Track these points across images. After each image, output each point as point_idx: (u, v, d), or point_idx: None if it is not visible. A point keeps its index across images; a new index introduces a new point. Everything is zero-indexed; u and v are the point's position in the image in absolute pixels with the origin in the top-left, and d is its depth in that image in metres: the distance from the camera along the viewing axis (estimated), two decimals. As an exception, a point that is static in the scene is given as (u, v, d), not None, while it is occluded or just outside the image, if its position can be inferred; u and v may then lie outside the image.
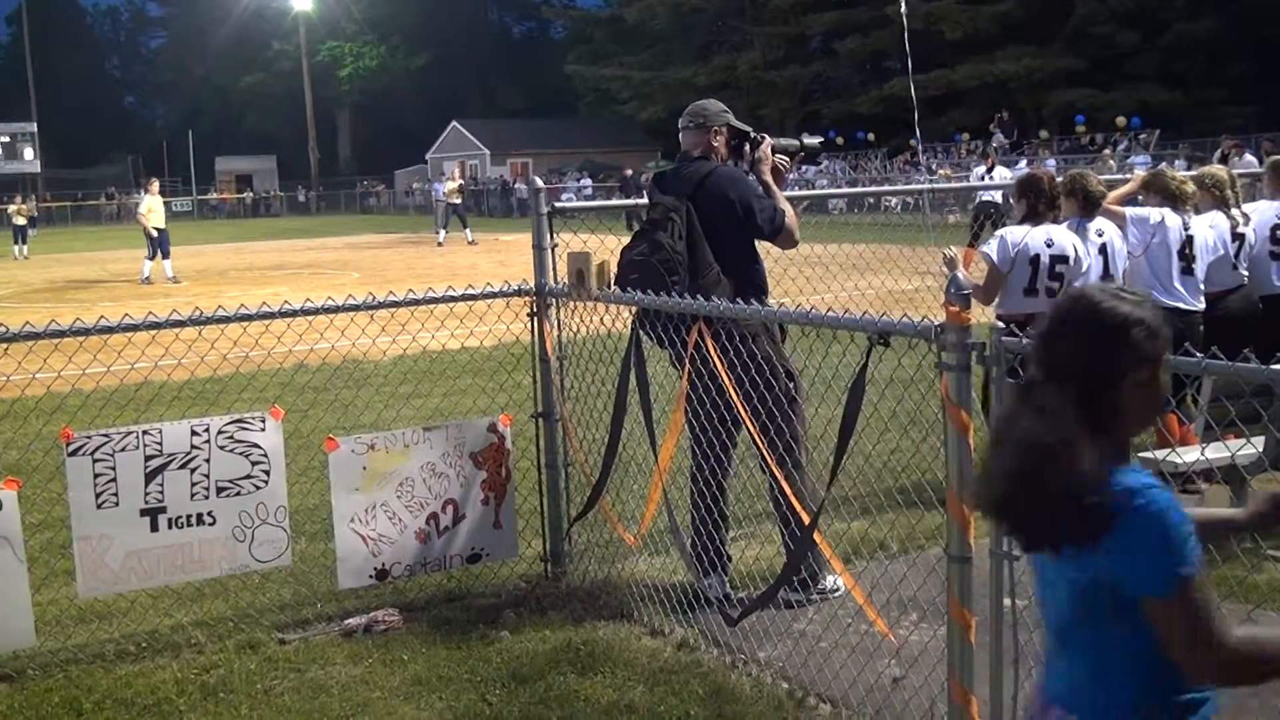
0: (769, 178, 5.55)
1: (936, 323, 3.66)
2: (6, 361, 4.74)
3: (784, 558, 5.17)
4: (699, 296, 4.88)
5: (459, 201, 34.17)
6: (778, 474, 4.73)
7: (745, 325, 5.04)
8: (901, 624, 4.86)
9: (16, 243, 33.81)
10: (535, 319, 5.71)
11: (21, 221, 34.47)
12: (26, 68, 73.64)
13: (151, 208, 24.20)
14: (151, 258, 23.92)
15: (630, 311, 5.34)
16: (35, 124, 70.53)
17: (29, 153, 69.89)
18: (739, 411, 4.81)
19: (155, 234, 23.73)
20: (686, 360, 5.03)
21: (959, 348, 3.57)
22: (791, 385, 5.27)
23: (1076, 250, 6.55)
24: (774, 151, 5.64)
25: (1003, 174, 22.47)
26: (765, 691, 4.45)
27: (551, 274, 5.71)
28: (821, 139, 6.64)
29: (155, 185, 25.66)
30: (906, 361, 4.03)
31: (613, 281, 5.32)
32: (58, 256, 33.76)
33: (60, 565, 5.36)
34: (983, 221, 20.81)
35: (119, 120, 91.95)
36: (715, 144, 5.54)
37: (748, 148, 5.61)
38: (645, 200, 5.67)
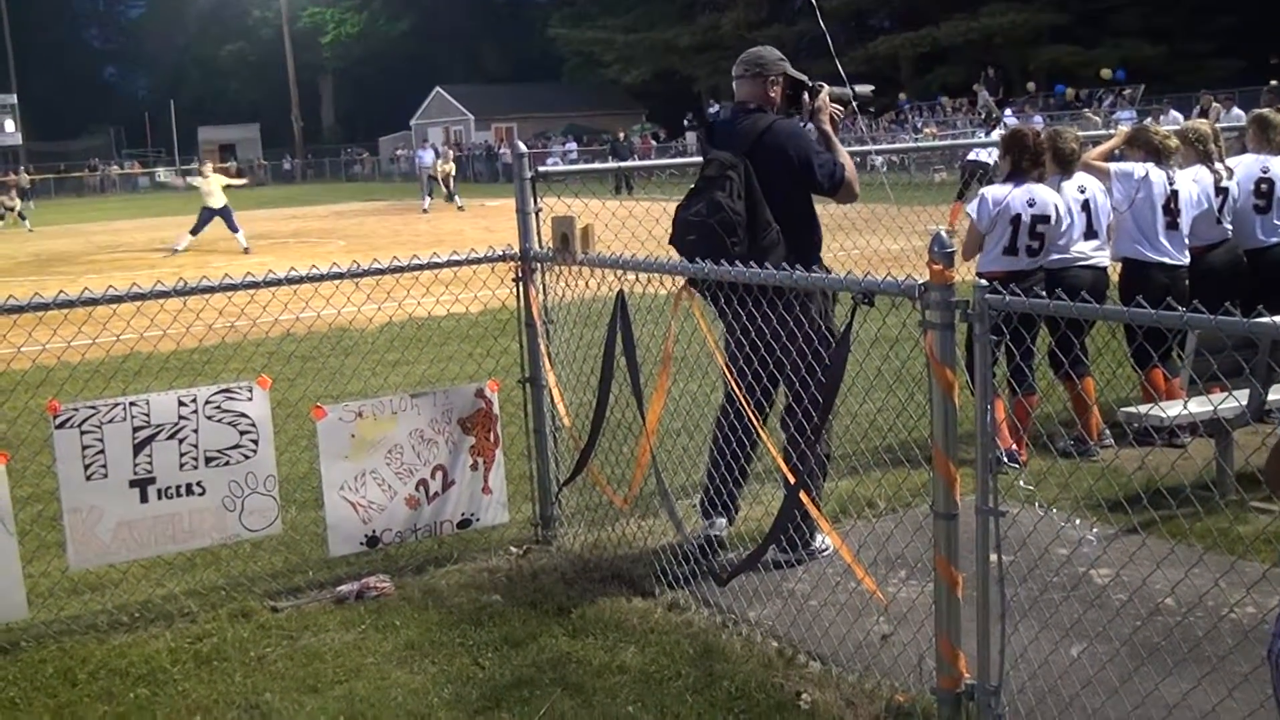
0: (828, 128, 5.44)
1: (920, 281, 3.67)
2: (-9, 335, 4.73)
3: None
4: (755, 259, 4.81)
5: (447, 171, 34.14)
6: (762, 433, 4.74)
7: (794, 290, 4.95)
8: (889, 581, 4.90)
9: (19, 216, 33.77)
10: (520, 284, 5.71)
11: (13, 203, 34.42)
12: (5, 39, 72.96)
13: (213, 187, 23.86)
14: (195, 232, 23.76)
15: (616, 273, 5.32)
16: (15, 96, 69.92)
17: (10, 125, 69.33)
18: (725, 373, 4.82)
19: (216, 209, 23.52)
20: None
21: (942, 306, 3.59)
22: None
23: (1058, 209, 6.56)
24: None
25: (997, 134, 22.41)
26: (755, 650, 4.48)
27: (536, 238, 5.70)
28: (873, 87, 6.42)
29: (209, 166, 25.41)
30: (891, 320, 4.05)
31: (667, 240, 5.24)
32: (41, 229, 33.57)
33: (51, 538, 5.36)
34: (968, 179, 20.81)
35: (100, 91, 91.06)
36: (772, 94, 5.42)
37: (805, 97, 5.47)
38: (633, 163, 5.63)
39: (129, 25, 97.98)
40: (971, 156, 21.25)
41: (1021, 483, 4.93)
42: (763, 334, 4.89)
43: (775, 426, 5.38)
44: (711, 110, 54.24)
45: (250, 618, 5.02)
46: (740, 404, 4.99)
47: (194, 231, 23.74)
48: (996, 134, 22.55)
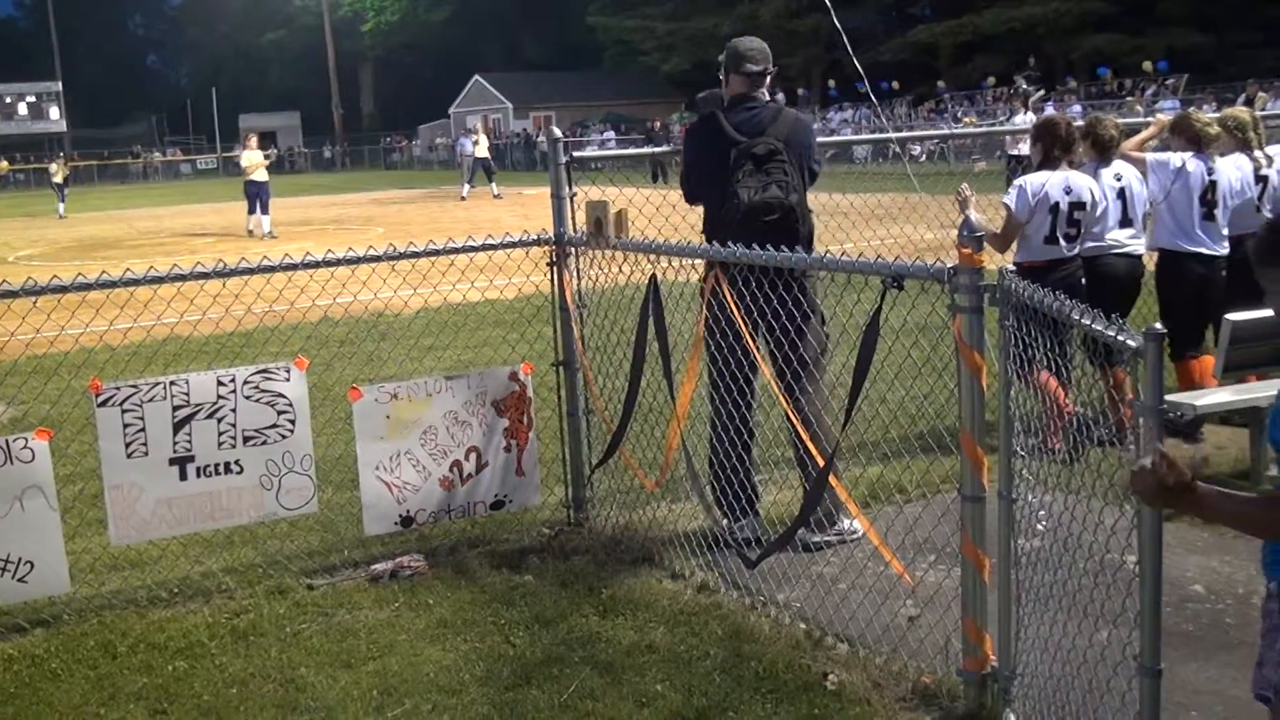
0: None
1: (949, 265, 3.69)
2: (36, 316, 4.83)
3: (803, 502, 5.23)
4: (807, 243, 5.00)
5: (486, 156, 34.27)
6: (794, 419, 4.77)
7: (798, 272, 5.03)
8: (917, 565, 4.92)
9: (61, 201, 34.20)
10: (554, 268, 5.75)
11: (59, 180, 34.81)
12: (50, 27, 73.70)
13: (254, 162, 24.20)
14: (253, 211, 24.11)
15: (649, 259, 5.35)
16: (60, 84, 70.69)
17: (55, 112, 70.15)
18: (754, 356, 4.85)
19: (262, 182, 23.93)
20: (702, 304, 5.06)
21: (971, 290, 3.61)
22: (823, 330, 5.32)
23: (1093, 194, 6.54)
24: None
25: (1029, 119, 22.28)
26: (784, 632, 4.52)
27: (570, 223, 5.74)
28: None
29: (254, 140, 25.43)
30: (921, 305, 4.07)
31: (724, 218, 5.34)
32: (86, 215, 33.97)
33: (93, 514, 5.47)
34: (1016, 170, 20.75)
35: (142, 79, 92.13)
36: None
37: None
38: (666, 148, 5.69)
39: (172, 13, 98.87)
40: (1014, 152, 21.14)
41: (1024, 472, 4.91)
42: (778, 316, 4.92)
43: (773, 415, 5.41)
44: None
45: (286, 595, 5.11)
46: (727, 395, 5.10)
47: (264, 210, 23.96)
48: (1025, 118, 22.44)
